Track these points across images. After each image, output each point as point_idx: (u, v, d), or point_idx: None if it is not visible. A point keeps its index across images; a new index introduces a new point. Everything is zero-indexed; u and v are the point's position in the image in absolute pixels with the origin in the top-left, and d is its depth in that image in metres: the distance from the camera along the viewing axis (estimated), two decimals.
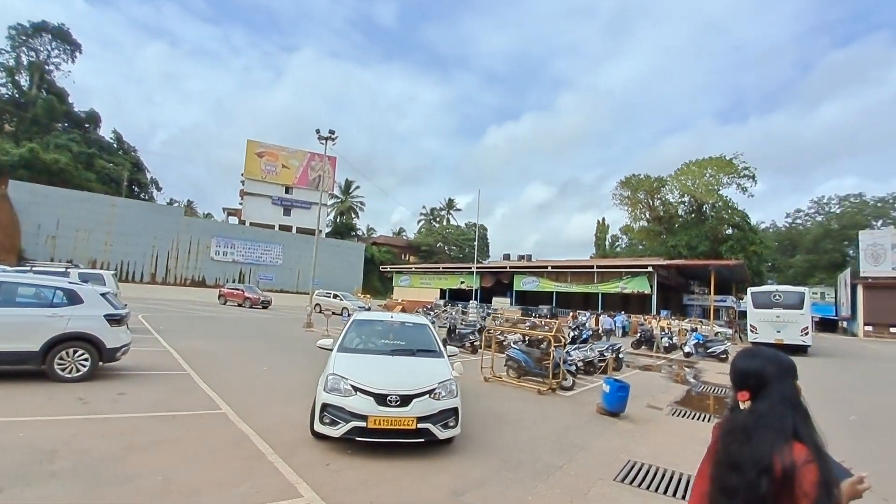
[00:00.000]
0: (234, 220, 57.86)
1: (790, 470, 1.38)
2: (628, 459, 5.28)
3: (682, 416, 7.84)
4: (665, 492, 4.44)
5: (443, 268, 49.11)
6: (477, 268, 38.57)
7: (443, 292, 46.76)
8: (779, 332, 21.09)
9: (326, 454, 4.58)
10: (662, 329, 22.54)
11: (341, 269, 53.13)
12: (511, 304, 39.92)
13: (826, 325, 51.62)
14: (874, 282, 49.86)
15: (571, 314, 29.74)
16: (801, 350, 20.97)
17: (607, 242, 72.84)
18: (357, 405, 4.55)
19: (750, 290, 24.08)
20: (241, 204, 55.66)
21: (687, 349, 18.64)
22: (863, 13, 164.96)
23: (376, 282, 58.90)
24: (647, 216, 55.08)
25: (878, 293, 49.31)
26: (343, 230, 66.23)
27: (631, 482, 4.61)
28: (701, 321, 31.16)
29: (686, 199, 51.11)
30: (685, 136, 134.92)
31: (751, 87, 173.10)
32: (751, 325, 22.59)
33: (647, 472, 4.94)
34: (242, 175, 53.78)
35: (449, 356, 6.00)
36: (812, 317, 34.48)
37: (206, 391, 6.83)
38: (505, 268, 43.55)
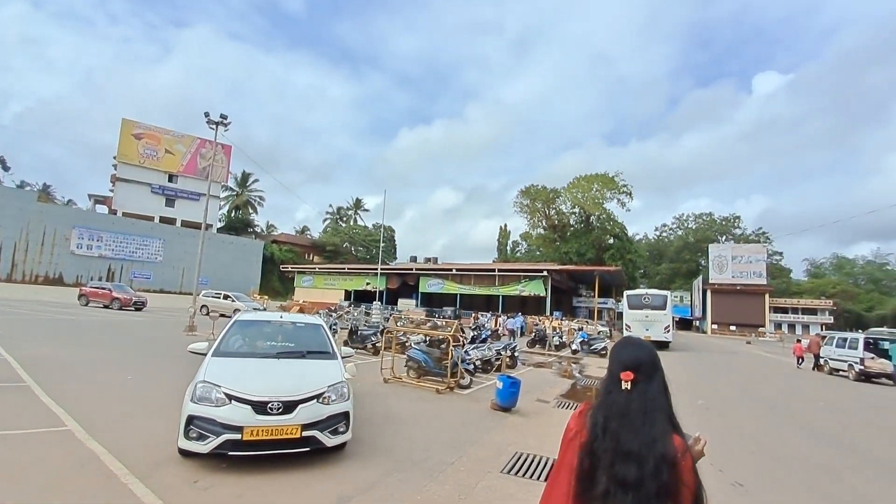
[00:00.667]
0: (102, 208, 50.33)
1: (676, 458, 1.35)
2: (516, 451, 5.52)
3: (567, 408, 8.45)
4: (547, 478, 4.71)
5: (348, 268, 47.78)
6: (383, 269, 38.14)
7: (348, 293, 45.46)
8: (647, 329, 24.06)
9: (195, 471, 4.06)
10: (554, 329, 24.33)
11: (236, 267, 49.00)
12: (416, 305, 40.13)
13: (683, 323, 59.84)
14: (719, 287, 59.37)
15: (473, 315, 30.77)
16: (663, 345, 24.36)
17: (508, 247, 76.87)
18: (231, 416, 4.04)
19: (626, 293, 27.45)
20: (112, 191, 48.61)
21: (574, 347, 20.33)
22: (718, 61, 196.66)
23: (276, 282, 55.29)
24: (544, 224, 59.31)
25: (722, 297, 58.85)
26: (238, 226, 61.17)
27: (517, 473, 4.81)
28: (587, 321, 34.18)
29: (577, 210, 56.04)
30: (579, 153, 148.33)
31: (631, 115, 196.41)
32: (626, 324, 25.58)
33: (533, 461, 5.21)
34: (115, 158, 47.00)
35: (343, 357, 5.67)
36: (673, 317, 40.63)
37: (50, 406, 5.75)
38: (411, 270, 43.69)
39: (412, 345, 10.86)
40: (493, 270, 39.51)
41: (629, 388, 1.47)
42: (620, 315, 45.63)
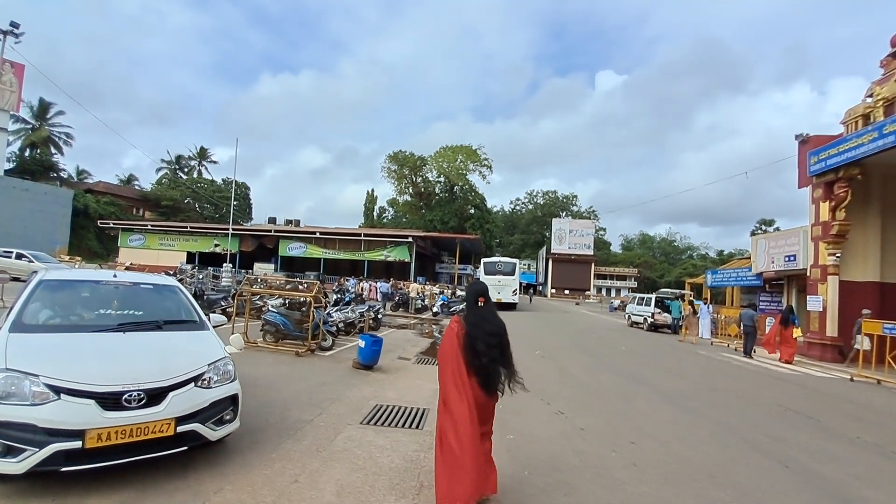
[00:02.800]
0: None
1: (505, 329, 3.24)
2: (377, 404, 5.69)
3: (426, 364, 8.96)
4: (403, 425, 4.99)
5: (192, 227, 41.99)
6: (235, 230, 34.54)
7: (191, 256, 40.20)
8: (499, 293, 26.97)
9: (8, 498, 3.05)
10: (417, 293, 25.28)
11: (35, 221, 39.14)
12: (276, 269, 37.55)
13: (530, 288, 67.49)
14: (559, 257, 68.24)
15: (339, 280, 30.13)
16: (511, 307, 27.95)
17: (375, 213, 76.30)
18: (61, 416, 2.90)
19: (483, 260, 30.25)
20: None
21: (435, 309, 21.46)
22: (570, 53, 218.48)
23: (93, 241, 45.91)
24: (411, 191, 60.13)
25: (561, 265, 67.81)
26: (35, 169, 48.47)
27: (376, 423, 4.98)
28: (448, 286, 36.19)
29: (442, 179, 57.99)
30: (448, 125, 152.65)
31: (498, 94, 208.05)
32: None
33: (392, 411, 5.44)
34: None
35: (215, 326, 4.66)
36: (520, 282, 45.73)
37: None
38: (269, 231, 40.45)
39: (269, 308, 10.20)
40: (360, 235, 38.94)
41: (482, 304, 3.24)
42: (478, 280, 49.28)
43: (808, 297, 14.54)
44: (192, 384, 3.44)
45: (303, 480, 3.40)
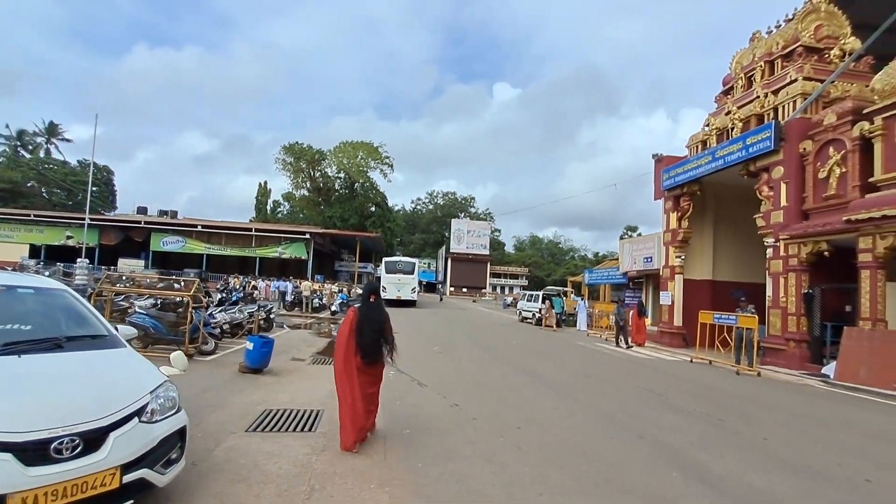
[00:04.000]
0: None
1: (387, 318, 4.59)
2: (265, 409, 5.37)
3: (322, 364, 8.66)
4: (295, 429, 4.79)
5: (36, 216, 35.19)
6: (94, 220, 29.74)
7: (35, 250, 33.69)
8: (399, 290, 28.49)
9: None
10: (314, 291, 24.24)
11: None
12: (147, 266, 33.15)
13: (430, 286, 68.70)
14: (457, 256, 70.55)
15: (225, 278, 27.61)
16: (411, 304, 29.08)
17: (269, 207, 71.37)
18: None
19: (384, 259, 30.98)
20: None
21: (334, 308, 20.80)
22: (471, 60, 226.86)
23: None
24: (309, 186, 57.39)
25: (459, 264, 70.13)
26: None
27: (264, 429, 4.71)
28: (348, 284, 35.29)
29: (342, 175, 56.31)
30: (351, 121, 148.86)
31: (403, 94, 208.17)
32: (383, 286, 29.02)
33: (282, 416, 5.19)
34: None
35: (128, 340, 3.68)
36: (420, 281, 47.29)
37: None
38: (139, 223, 35.56)
39: (137, 310, 8.99)
40: (250, 230, 36.14)
41: (373, 301, 4.51)
42: (379, 279, 49.11)
43: (660, 293, 17.03)
44: (136, 419, 2.69)
45: (174, 498, 3.09)
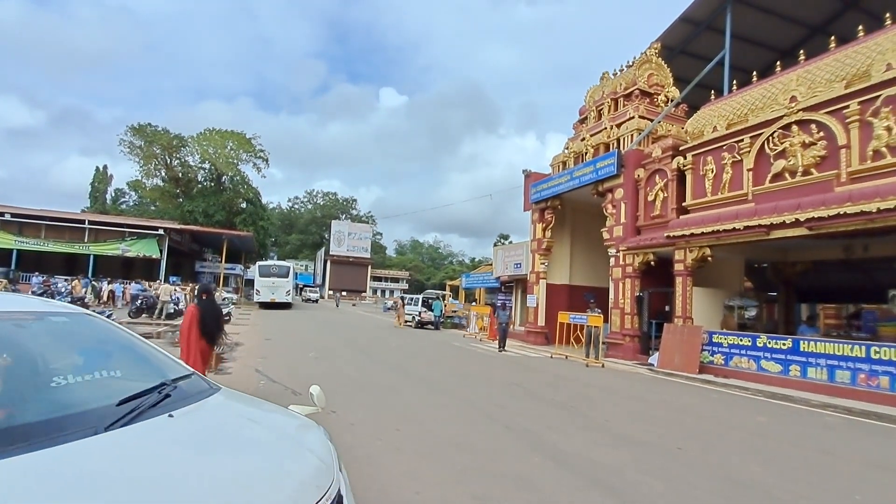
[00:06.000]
0: None
1: (222, 313, 6.93)
2: None
3: None
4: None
5: None
6: None
7: None
8: (273, 293, 28.37)
9: None
10: (170, 295, 21.32)
11: None
12: None
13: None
14: (337, 258, 68.51)
15: (46, 279, 22.66)
16: (286, 306, 28.96)
17: (109, 196, 60.72)
18: None
19: (258, 263, 31.29)
20: None
21: None
22: (357, 61, 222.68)
23: None
24: (164, 175, 50.29)
25: (339, 267, 68.18)
26: None
27: None
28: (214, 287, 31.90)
29: (207, 165, 50.52)
30: (226, 107, 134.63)
31: (284, 86, 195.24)
32: (257, 289, 29.20)
33: None
34: None
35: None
36: (297, 284, 44.88)
37: None
38: None
39: None
40: (83, 222, 30.29)
41: (205, 298, 6.18)
42: (250, 282, 45.17)
43: (528, 296, 18.79)
44: None
45: None
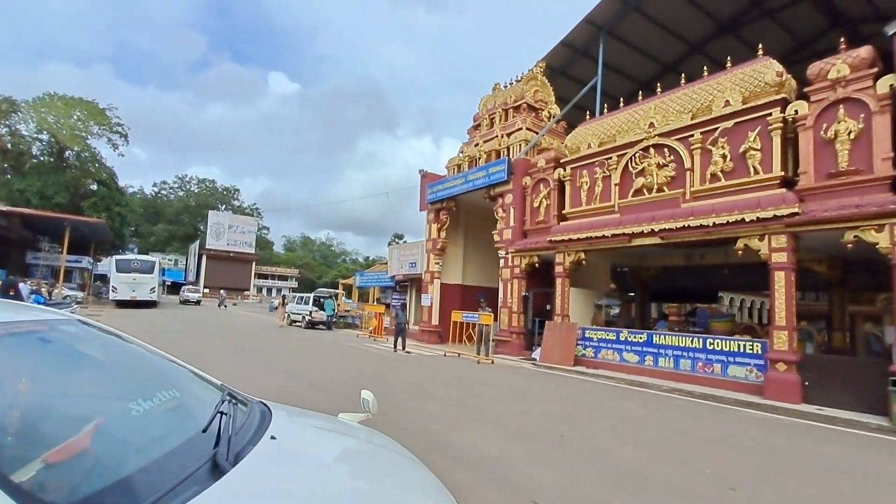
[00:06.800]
0: None
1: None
2: None
3: None
4: None
5: None
6: None
7: None
8: (134, 290, 25.66)
9: None
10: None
11: None
12: None
13: (177, 287, 58.19)
14: (215, 253, 62.10)
15: None
16: (151, 304, 26.67)
17: None
18: None
19: (115, 257, 28.42)
20: None
21: None
22: (242, 38, 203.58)
23: None
24: None
25: (217, 263, 61.89)
26: None
27: None
28: (47, 283, 26.48)
29: (45, 136, 41.98)
30: (79, 73, 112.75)
31: (151, 55, 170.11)
32: (113, 286, 26.02)
33: None
34: None
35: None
36: (165, 280, 39.76)
37: None
38: None
39: None
40: None
41: (12, 294, 8.63)
42: (101, 277, 38.64)
43: (422, 295, 19.07)
44: None
45: None
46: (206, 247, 61.74)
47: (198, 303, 39.26)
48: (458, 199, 18.30)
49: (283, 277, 76.90)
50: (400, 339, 15.02)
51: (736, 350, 9.84)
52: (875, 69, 8.51)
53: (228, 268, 62.44)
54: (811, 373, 8.69)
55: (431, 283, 18.65)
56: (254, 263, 67.19)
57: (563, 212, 14.15)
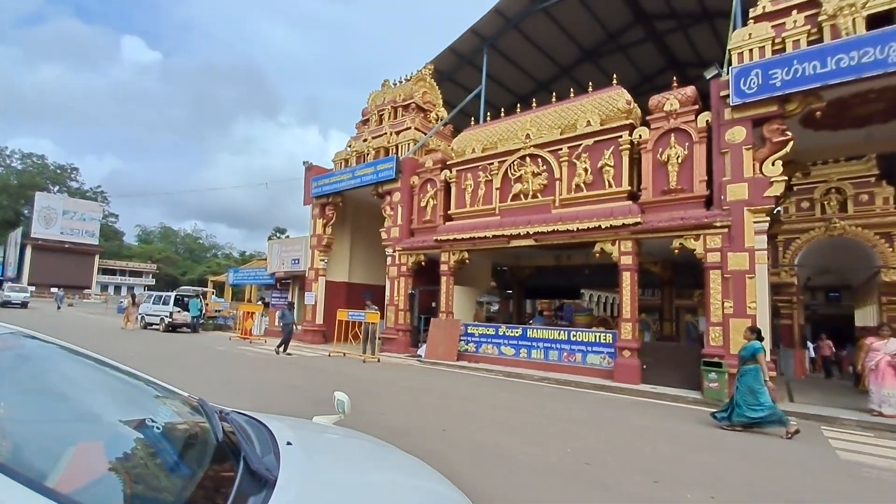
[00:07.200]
0: None
1: None
2: None
3: None
4: None
5: None
6: None
7: None
8: None
9: None
10: None
11: None
12: None
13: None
14: (44, 244, 51.35)
15: None
16: None
17: None
18: None
19: None
20: None
21: None
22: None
23: None
24: None
25: (47, 255, 51.28)
26: None
27: None
28: None
29: None
30: None
31: None
32: None
33: None
34: None
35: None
36: None
37: None
38: None
39: None
40: None
41: None
42: None
43: (306, 293, 18.19)
44: None
45: None
46: (33, 235, 50.73)
47: (24, 305, 31.09)
48: (346, 194, 17.83)
49: (136, 273, 66.73)
50: (284, 341, 13.84)
51: (593, 340, 11.28)
52: (697, 106, 10.44)
53: (62, 261, 52.12)
54: (648, 357, 10.38)
55: (316, 281, 17.89)
56: (97, 257, 57.12)
57: (449, 212, 14.68)
